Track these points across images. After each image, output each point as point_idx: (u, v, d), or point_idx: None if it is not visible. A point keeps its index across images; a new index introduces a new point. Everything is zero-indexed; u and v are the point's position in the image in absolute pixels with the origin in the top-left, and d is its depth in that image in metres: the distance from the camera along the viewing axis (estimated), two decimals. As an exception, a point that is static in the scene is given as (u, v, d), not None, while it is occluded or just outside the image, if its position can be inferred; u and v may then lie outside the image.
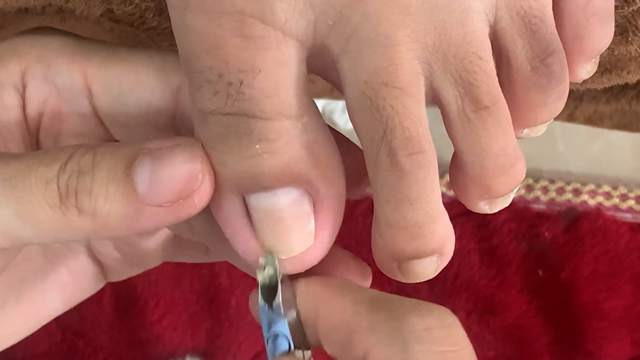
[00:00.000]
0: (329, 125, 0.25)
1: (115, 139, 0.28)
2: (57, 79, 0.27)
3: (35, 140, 0.28)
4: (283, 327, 0.24)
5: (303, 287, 0.24)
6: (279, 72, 0.23)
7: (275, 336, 0.24)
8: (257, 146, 0.23)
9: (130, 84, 0.27)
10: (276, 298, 0.24)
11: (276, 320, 0.24)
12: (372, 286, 0.71)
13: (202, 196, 0.24)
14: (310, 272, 0.25)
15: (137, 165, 0.23)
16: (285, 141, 0.23)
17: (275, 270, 0.24)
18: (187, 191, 0.23)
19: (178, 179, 0.23)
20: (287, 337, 0.24)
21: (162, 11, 0.28)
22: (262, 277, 0.24)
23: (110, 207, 0.23)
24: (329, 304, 0.23)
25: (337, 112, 0.68)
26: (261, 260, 0.24)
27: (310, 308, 0.24)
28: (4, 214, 0.23)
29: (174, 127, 0.27)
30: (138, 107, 0.27)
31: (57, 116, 0.28)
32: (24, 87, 0.27)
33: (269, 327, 0.24)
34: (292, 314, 0.24)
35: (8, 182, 0.23)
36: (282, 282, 0.24)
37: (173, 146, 0.23)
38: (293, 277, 0.25)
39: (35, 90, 0.27)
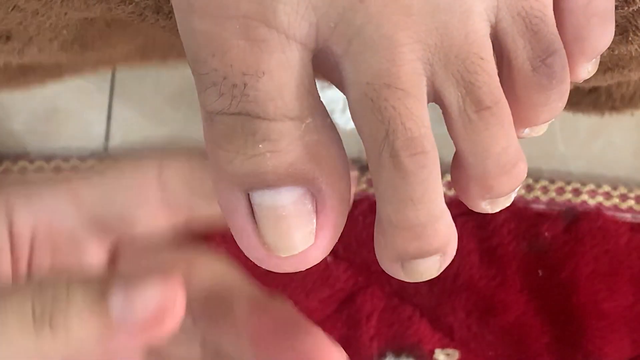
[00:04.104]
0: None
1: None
2: (43, 202, 0.28)
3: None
4: None
5: None
6: (282, 75, 0.23)
7: None
8: (260, 146, 0.23)
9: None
10: None
11: None
12: (372, 286, 0.71)
13: (174, 318, 0.25)
14: None
15: (112, 295, 0.24)
16: (288, 141, 0.23)
17: None
18: (161, 318, 0.24)
19: (152, 309, 0.24)
20: None
21: (160, 9, 0.28)
22: None
23: (84, 328, 0.24)
24: None
25: (337, 112, 0.68)
26: None
27: None
28: None
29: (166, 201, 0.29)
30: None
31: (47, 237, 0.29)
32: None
33: None
34: None
35: None
36: None
37: (146, 276, 0.24)
38: None
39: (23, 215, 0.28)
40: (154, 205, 0.29)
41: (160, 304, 0.24)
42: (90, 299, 0.24)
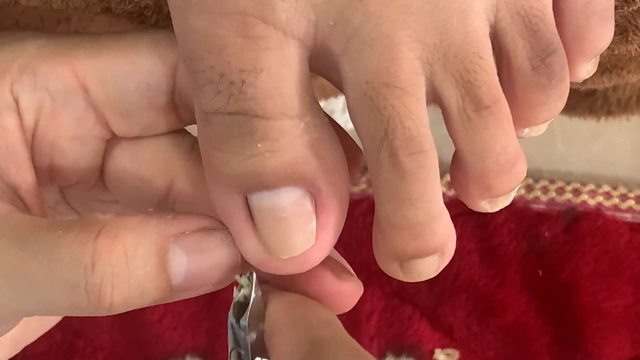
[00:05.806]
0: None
1: (116, 133, 0.27)
2: (48, 85, 0.26)
3: (30, 149, 0.27)
4: (244, 344, 0.24)
5: (271, 306, 0.24)
6: (280, 72, 0.23)
7: (237, 350, 0.25)
8: (259, 145, 0.23)
9: (125, 69, 0.26)
10: (243, 317, 0.24)
11: (241, 335, 0.24)
12: (372, 286, 0.71)
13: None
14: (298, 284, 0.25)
15: (171, 263, 0.23)
16: (287, 140, 0.23)
17: (251, 291, 0.24)
18: (227, 278, 0.24)
19: (218, 272, 0.24)
20: (247, 354, 0.24)
21: (160, 9, 0.28)
22: (237, 295, 0.24)
23: (144, 301, 0.23)
24: (282, 332, 0.24)
25: (337, 112, 0.68)
26: (238, 279, 0.24)
27: (270, 329, 0.24)
28: (23, 309, 0.24)
29: (174, 106, 0.27)
30: (138, 91, 0.26)
31: (53, 122, 0.27)
32: (17, 103, 0.26)
33: (233, 341, 0.25)
34: (261, 328, 0.24)
35: (29, 287, 0.23)
36: (256, 298, 0.24)
37: (208, 233, 0.24)
38: (269, 290, 0.25)
39: (27, 102, 0.26)
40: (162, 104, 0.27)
41: (228, 267, 0.24)
42: (151, 272, 0.23)
